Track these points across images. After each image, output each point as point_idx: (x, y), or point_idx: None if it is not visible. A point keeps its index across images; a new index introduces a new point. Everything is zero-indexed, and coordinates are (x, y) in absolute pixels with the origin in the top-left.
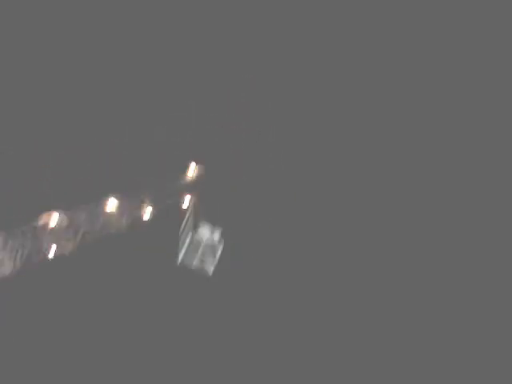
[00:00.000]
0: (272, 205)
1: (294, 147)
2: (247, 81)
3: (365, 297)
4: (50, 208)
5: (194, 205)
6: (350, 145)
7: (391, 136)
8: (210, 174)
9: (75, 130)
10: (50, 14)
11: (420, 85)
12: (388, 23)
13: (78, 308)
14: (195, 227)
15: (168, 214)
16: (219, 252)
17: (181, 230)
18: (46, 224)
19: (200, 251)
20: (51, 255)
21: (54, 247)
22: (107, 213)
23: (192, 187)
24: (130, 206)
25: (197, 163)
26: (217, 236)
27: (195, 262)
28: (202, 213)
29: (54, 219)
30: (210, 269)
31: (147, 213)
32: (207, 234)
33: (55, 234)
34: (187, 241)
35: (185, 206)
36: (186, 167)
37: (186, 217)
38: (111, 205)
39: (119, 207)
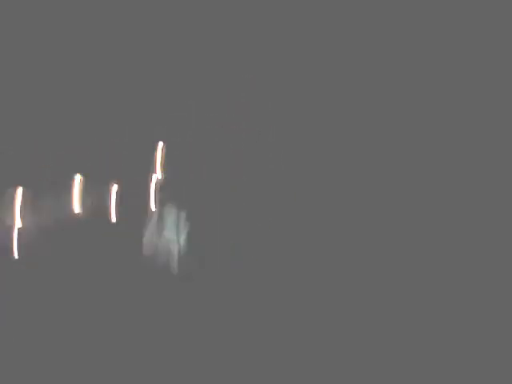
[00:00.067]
0: (272, 205)
1: (293, 147)
2: (247, 81)
3: (365, 297)
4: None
5: (160, 184)
6: (351, 145)
7: (392, 136)
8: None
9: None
10: (50, 13)
11: (420, 85)
12: (388, 23)
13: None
14: (161, 205)
15: (135, 193)
16: (182, 232)
17: (147, 207)
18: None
19: (166, 232)
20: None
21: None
22: (72, 193)
23: (158, 166)
24: (95, 188)
25: (163, 143)
26: (180, 215)
27: (161, 242)
28: (167, 192)
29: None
30: (177, 249)
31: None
32: (172, 212)
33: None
34: (153, 219)
35: (151, 184)
36: (155, 147)
37: (152, 195)
38: (77, 185)
39: (85, 188)
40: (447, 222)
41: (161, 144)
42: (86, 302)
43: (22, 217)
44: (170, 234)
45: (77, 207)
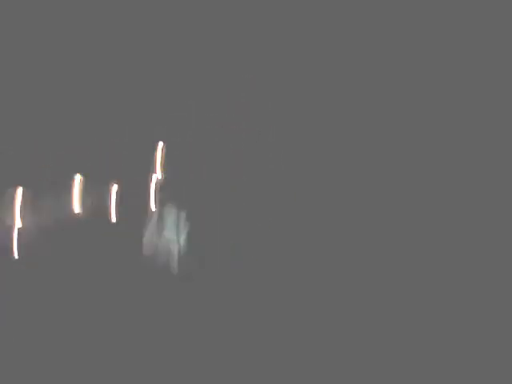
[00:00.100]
0: (272, 205)
1: (293, 147)
2: (247, 81)
3: (365, 297)
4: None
5: (160, 184)
6: (351, 145)
7: (392, 136)
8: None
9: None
10: (50, 13)
11: (420, 85)
12: (388, 23)
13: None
14: (161, 205)
15: (135, 193)
16: (182, 232)
17: (147, 207)
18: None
19: (165, 232)
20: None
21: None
22: (71, 193)
23: (158, 166)
24: (95, 188)
25: (163, 143)
26: (180, 215)
27: (161, 243)
28: (167, 193)
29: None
30: (177, 250)
31: (114, 191)
32: (172, 212)
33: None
34: (153, 219)
35: (151, 184)
36: (155, 147)
37: (152, 195)
38: (77, 185)
39: (85, 188)
40: (446, 222)
41: (161, 144)
42: (86, 301)
43: (22, 217)
44: (169, 234)
45: (77, 207)
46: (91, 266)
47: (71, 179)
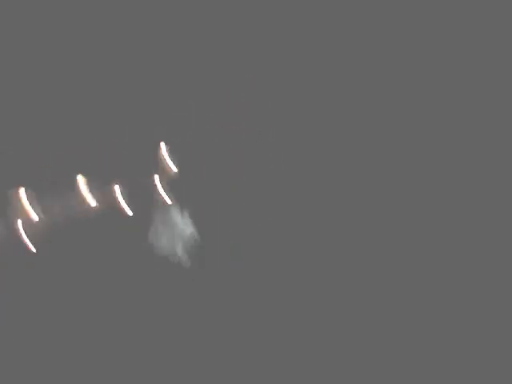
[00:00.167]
0: (272, 205)
1: (293, 147)
2: (247, 81)
3: (365, 297)
4: (21, 192)
5: (164, 187)
6: (351, 145)
7: (392, 136)
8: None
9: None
10: (50, 13)
11: (420, 85)
12: (388, 23)
13: (55, 294)
14: (165, 210)
15: (144, 203)
16: (189, 236)
17: (151, 212)
18: (20, 210)
19: (174, 240)
20: (30, 245)
21: (28, 235)
22: (81, 197)
23: (162, 168)
24: (104, 191)
25: (165, 144)
26: (186, 220)
27: (170, 251)
28: (171, 196)
29: (26, 204)
30: (186, 258)
31: (122, 200)
32: (182, 223)
33: (29, 221)
34: (162, 230)
35: (160, 196)
36: (157, 148)
37: (156, 199)
38: (85, 189)
39: (88, 188)
40: (448, 224)
41: (163, 144)
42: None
43: (36, 214)
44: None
45: (85, 205)
46: (99, 261)
47: (76, 179)
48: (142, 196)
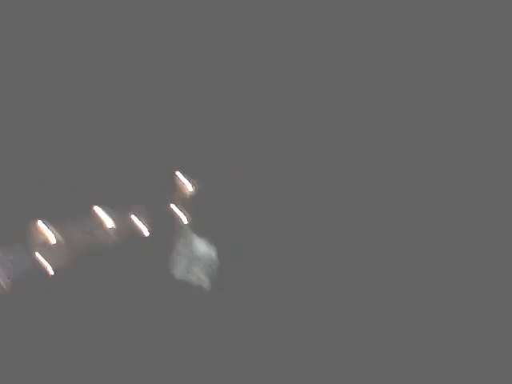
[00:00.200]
0: (272, 205)
1: (294, 147)
2: (247, 81)
3: (365, 297)
4: (39, 221)
5: (188, 219)
6: (351, 145)
7: (392, 136)
8: (209, 175)
9: (66, 135)
10: (50, 13)
11: (420, 85)
12: (388, 23)
13: (74, 320)
14: (189, 241)
15: (162, 227)
16: (215, 267)
17: (175, 243)
18: (39, 238)
19: (195, 265)
20: (50, 271)
21: (48, 262)
22: (99, 224)
23: (186, 201)
24: (121, 218)
25: (190, 177)
26: (213, 252)
27: (190, 276)
28: (196, 227)
29: (45, 232)
30: (207, 283)
31: (140, 225)
32: (202, 248)
33: (49, 248)
34: (182, 255)
35: (179, 219)
36: (178, 180)
37: (180, 230)
38: (102, 216)
39: (110, 218)
40: (448, 223)
41: (178, 170)
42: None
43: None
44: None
45: (104, 232)
46: (85, 280)
47: (93, 206)
48: (160, 220)
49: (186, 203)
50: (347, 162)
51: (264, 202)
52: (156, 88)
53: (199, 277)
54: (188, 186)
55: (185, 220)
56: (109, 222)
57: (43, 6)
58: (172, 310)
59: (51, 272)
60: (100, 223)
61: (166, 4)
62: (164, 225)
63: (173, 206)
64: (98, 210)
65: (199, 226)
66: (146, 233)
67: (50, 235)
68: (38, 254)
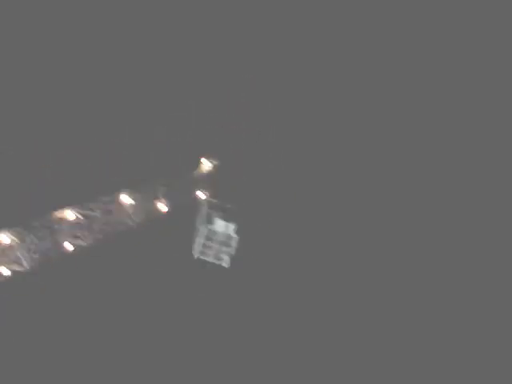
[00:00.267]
0: (272, 205)
1: (294, 147)
2: (247, 81)
3: (364, 294)
4: (63, 204)
5: (208, 199)
6: (350, 144)
7: (391, 136)
8: (218, 176)
9: (86, 128)
10: (50, 13)
11: (420, 85)
12: (388, 23)
13: (93, 301)
14: (209, 221)
15: (182, 208)
16: (235, 245)
17: (195, 224)
18: (62, 219)
19: (215, 244)
20: (69, 248)
21: (70, 242)
22: (122, 207)
23: (205, 181)
24: (143, 200)
25: (208, 158)
26: (231, 229)
27: (211, 256)
28: (215, 207)
29: (68, 214)
30: (227, 261)
31: (161, 207)
32: (222, 227)
33: (71, 229)
34: (202, 235)
35: (199, 200)
36: (198, 162)
37: (201, 211)
38: (125, 199)
39: (133, 201)
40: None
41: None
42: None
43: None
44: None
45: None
46: (106, 262)
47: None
48: (181, 200)
49: (205, 183)
50: (347, 161)
51: (264, 202)
52: (157, 88)
53: (218, 255)
54: (207, 167)
55: (205, 199)
56: (131, 204)
57: (43, 7)
58: (191, 288)
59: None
60: (123, 205)
61: (167, 5)
62: (184, 204)
63: (193, 187)
64: (123, 193)
65: (219, 205)
66: (167, 213)
67: (72, 216)
68: (61, 234)
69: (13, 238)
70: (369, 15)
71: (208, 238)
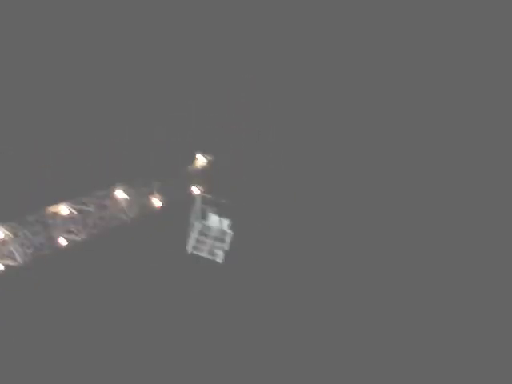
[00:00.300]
0: (272, 205)
1: (294, 147)
2: (247, 81)
3: (364, 294)
4: (58, 198)
5: (202, 194)
6: (350, 144)
7: (391, 136)
8: (213, 171)
9: (81, 124)
10: (51, 14)
11: (420, 85)
12: (388, 23)
13: (87, 296)
14: (204, 216)
15: (176, 204)
16: (229, 240)
17: (190, 219)
18: (56, 214)
19: (209, 240)
20: (62, 243)
21: (63, 237)
22: (116, 202)
23: (200, 177)
24: (138, 196)
25: (203, 154)
26: (225, 224)
27: (205, 251)
28: (210, 202)
29: (62, 209)
30: (220, 257)
31: (156, 202)
32: (216, 222)
33: (65, 224)
34: (196, 230)
35: (193, 195)
36: (193, 158)
37: (195, 206)
38: (120, 194)
39: (128, 196)
40: (447, 223)
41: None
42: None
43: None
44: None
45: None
46: (100, 256)
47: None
48: (175, 195)
49: (200, 178)
50: (346, 161)
51: (263, 202)
52: (157, 88)
53: (212, 250)
54: (202, 162)
55: (199, 194)
56: (126, 199)
57: (44, 7)
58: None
59: (62, 244)
60: (117, 200)
61: (167, 5)
62: (179, 200)
63: (188, 182)
64: (117, 187)
65: (213, 200)
66: (162, 208)
67: (64, 210)
68: (55, 228)
69: (6, 232)
70: (368, 15)
71: (202, 234)
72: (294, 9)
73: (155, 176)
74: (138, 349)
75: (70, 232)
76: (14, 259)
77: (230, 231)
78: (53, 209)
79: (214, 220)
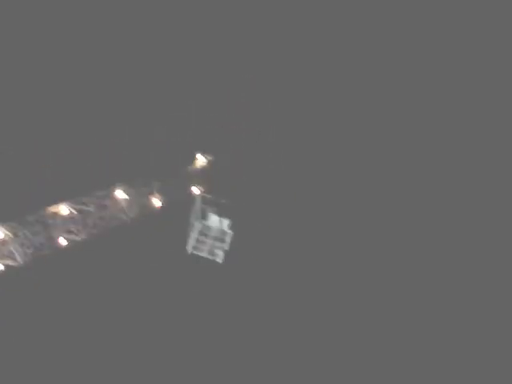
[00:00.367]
0: (272, 205)
1: (294, 147)
2: (247, 81)
3: (364, 294)
4: (58, 198)
5: (202, 194)
6: (350, 144)
7: (391, 135)
8: (213, 171)
9: (81, 124)
10: (51, 14)
11: (420, 85)
12: (388, 23)
13: (87, 296)
14: (204, 216)
15: (176, 204)
16: (229, 240)
17: (190, 219)
18: (56, 214)
19: (209, 240)
20: (62, 243)
21: (63, 237)
22: (116, 202)
23: (200, 177)
24: (138, 196)
25: (203, 154)
26: (225, 225)
27: (205, 251)
28: (210, 202)
29: (62, 209)
30: (220, 257)
31: (156, 202)
32: (216, 222)
33: (65, 224)
34: (196, 230)
35: (193, 195)
36: (193, 158)
37: (195, 206)
38: (120, 194)
39: (128, 196)
40: (447, 222)
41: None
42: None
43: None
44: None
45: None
46: (101, 256)
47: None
48: (175, 195)
49: (200, 178)
50: (346, 161)
51: (263, 202)
52: (157, 88)
53: (212, 250)
54: (202, 162)
55: (199, 194)
56: (126, 199)
57: (44, 7)
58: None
59: (62, 244)
60: (117, 200)
61: (167, 5)
62: (179, 200)
63: (188, 182)
64: (118, 188)
65: (213, 200)
66: (162, 208)
67: (64, 210)
68: (55, 228)
69: (6, 232)
70: (368, 15)
71: (202, 234)
72: (293, 9)
73: (155, 176)
74: (139, 349)
75: (69, 232)
76: (14, 259)
77: (229, 231)
78: (53, 209)
79: (213, 220)
